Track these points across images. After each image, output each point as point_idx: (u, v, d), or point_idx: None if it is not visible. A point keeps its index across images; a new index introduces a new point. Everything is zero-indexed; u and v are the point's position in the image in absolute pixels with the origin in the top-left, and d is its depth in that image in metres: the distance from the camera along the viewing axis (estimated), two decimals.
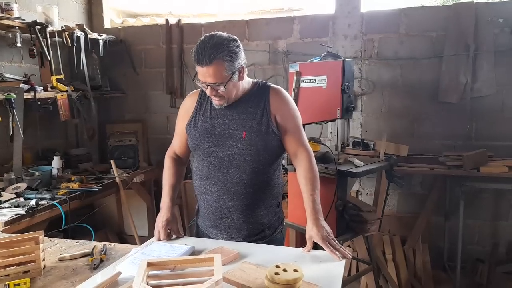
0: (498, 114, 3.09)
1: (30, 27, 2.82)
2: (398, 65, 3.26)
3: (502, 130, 3.09)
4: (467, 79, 3.09)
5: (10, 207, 2.32)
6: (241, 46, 1.49)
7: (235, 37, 1.49)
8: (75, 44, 3.19)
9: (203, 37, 1.46)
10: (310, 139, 2.25)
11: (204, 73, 1.44)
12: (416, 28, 3.19)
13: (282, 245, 1.73)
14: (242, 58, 1.49)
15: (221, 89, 1.46)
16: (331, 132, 3.39)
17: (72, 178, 2.89)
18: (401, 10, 3.21)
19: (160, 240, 1.55)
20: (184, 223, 3.62)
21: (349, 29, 3.31)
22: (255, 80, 1.66)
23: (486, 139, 3.12)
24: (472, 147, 3.03)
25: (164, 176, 1.69)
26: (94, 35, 3.46)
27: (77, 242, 1.65)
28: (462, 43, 3.07)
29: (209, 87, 1.47)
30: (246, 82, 1.59)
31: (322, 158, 2.32)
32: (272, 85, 1.63)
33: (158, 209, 3.89)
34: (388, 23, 3.24)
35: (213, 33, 1.47)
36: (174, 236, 1.59)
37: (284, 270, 1.16)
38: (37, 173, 2.75)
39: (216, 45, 1.41)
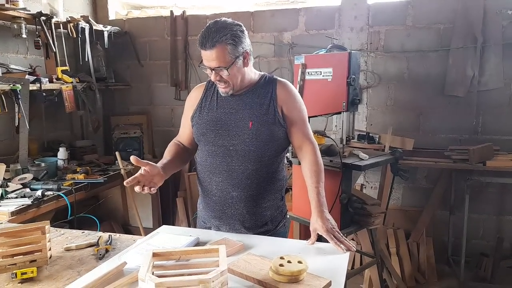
0: (505, 108, 3.07)
1: (35, 18, 2.82)
2: (404, 58, 3.23)
3: (508, 124, 3.06)
4: (474, 72, 3.05)
5: (16, 197, 2.34)
6: (245, 32, 1.50)
7: (240, 22, 1.50)
8: (80, 36, 3.20)
9: (208, 23, 1.48)
10: (315, 132, 2.25)
11: (208, 57, 1.45)
12: (423, 20, 3.15)
13: (285, 238, 1.73)
14: (247, 44, 1.50)
15: (225, 73, 1.47)
16: (336, 125, 3.38)
17: (78, 170, 2.90)
18: (408, 1, 3.17)
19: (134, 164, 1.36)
20: (189, 215, 3.64)
21: (355, 21, 3.28)
22: (262, 72, 1.66)
23: (493, 133, 3.09)
24: (478, 141, 3.01)
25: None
26: (99, 27, 3.46)
27: (83, 232, 1.65)
28: (470, 35, 3.04)
29: (213, 72, 1.48)
30: (253, 72, 1.59)
31: (327, 151, 2.31)
32: (279, 78, 1.63)
33: (162, 201, 3.91)
34: (395, 15, 3.20)
35: (217, 19, 1.49)
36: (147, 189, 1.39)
37: (289, 261, 1.17)
38: (43, 164, 2.77)
39: (220, 29, 1.43)
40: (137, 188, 1.36)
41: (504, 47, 3.00)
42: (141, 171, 1.39)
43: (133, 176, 1.37)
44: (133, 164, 1.41)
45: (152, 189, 1.39)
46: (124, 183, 1.36)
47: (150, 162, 1.42)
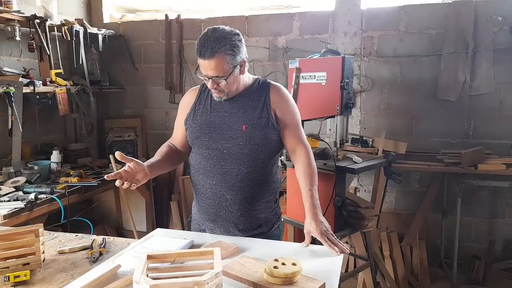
0: (496, 112, 3.11)
1: (29, 21, 2.81)
2: (397, 63, 3.26)
3: (500, 128, 3.10)
4: (465, 77, 3.10)
5: (9, 200, 2.32)
6: (243, 40, 1.51)
7: (238, 31, 1.51)
8: (74, 39, 3.19)
9: (206, 30, 1.47)
10: (309, 136, 2.27)
11: (206, 66, 1.45)
12: (415, 26, 3.19)
13: (279, 240, 1.74)
14: (244, 52, 1.51)
15: (223, 82, 1.48)
16: (330, 129, 3.40)
17: (71, 173, 2.88)
18: (400, 7, 3.21)
19: (117, 159, 1.37)
20: (183, 219, 3.63)
21: (349, 26, 3.31)
22: (256, 76, 1.67)
23: (484, 137, 3.13)
24: (470, 145, 3.05)
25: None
26: (94, 30, 3.46)
27: (76, 235, 1.65)
28: (461, 41, 3.08)
29: (210, 80, 1.48)
30: (247, 76, 1.61)
31: (321, 154, 2.33)
32: (272, 82, 1.65)
33: (156, 205, 3.89)
34: (388, 20, 3.24)
35: (216, 26, 1.48)
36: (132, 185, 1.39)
37: (283, 264, 1.17)
38: (36, 167, 2.75)
39: (219, 39, 1.42)
40: (117, 183, 1.36)
41: (494, 52, 3.04)
42: (125, 167, 1.40)
43: (116, 171, 1.38)
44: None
45: (132, 185, 1.39)
46: (105, 177, 1.36)
47: (135, 159, 1.42)
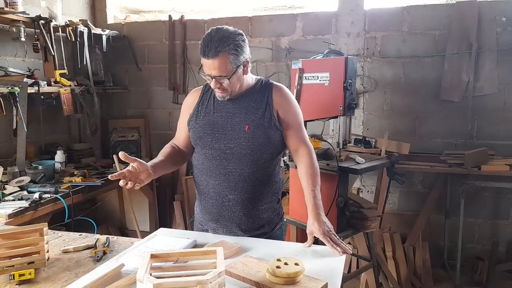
0: (499, 113, 3.10)
1: (34, 21, 2.83)
2: (400, 63, 3.26)
3: (503, 129, 3.09)
4: (469, 78, 3.09)
5: (13, 200, 2.34)
6: (246, 41, 1.52)
7: (241, 31, 1.52)
8: (78, 39, 3.21)
9: (209, 30, 1.48)
10: (311, 136, 2.27)
11: (210, 66, 1.46)
12: (418, 26, 3.19)
13: (282, 240, 1.74)
14: (247, 52, 1.52)
15: (226, 82, 1.49)
16: (333, 130, 3.40)
17: (75, 173, 2.90)
18: (404, 8, 3.21)
19: (120, 159, 1.38)
20: (186, 219, 3.64)
21: (352, 26, 3.31)
22: (258, 77, 1.68)
23: (488, 138, 3.12)
24: (473, 146, 3.04)
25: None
26: (98, 31, 3.47)
27: (80, 235, 1.66)
28: (465, 41, 3.07)
29: (213, 79, 1.49)
30: (250, 77, 1.62)
31: (324, 155, 2.33)
32: (275, 82, 1.65)
33: (160, 205, 3.90)
34: (391, 21, 3.24)
35: (219, 26, 1.49)
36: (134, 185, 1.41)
37: (285, 264, 1.18)
38: (40, 167, 2.77)
39: (222, 39, 1.43)
40: (121, 182, 1.37)
41: (498, 53, 3.03)
42: (129, 168, 1.41)
43: (119, 171, 1.38)
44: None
45: (136, 185, 1.40)
46: (109, 176, 1.37)
47: (139, 159, 1.43)
